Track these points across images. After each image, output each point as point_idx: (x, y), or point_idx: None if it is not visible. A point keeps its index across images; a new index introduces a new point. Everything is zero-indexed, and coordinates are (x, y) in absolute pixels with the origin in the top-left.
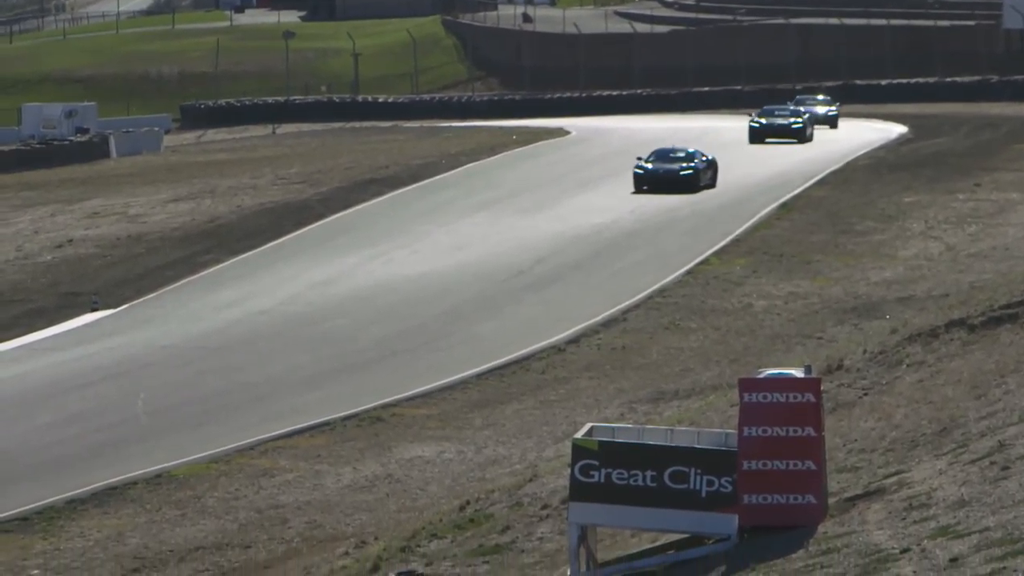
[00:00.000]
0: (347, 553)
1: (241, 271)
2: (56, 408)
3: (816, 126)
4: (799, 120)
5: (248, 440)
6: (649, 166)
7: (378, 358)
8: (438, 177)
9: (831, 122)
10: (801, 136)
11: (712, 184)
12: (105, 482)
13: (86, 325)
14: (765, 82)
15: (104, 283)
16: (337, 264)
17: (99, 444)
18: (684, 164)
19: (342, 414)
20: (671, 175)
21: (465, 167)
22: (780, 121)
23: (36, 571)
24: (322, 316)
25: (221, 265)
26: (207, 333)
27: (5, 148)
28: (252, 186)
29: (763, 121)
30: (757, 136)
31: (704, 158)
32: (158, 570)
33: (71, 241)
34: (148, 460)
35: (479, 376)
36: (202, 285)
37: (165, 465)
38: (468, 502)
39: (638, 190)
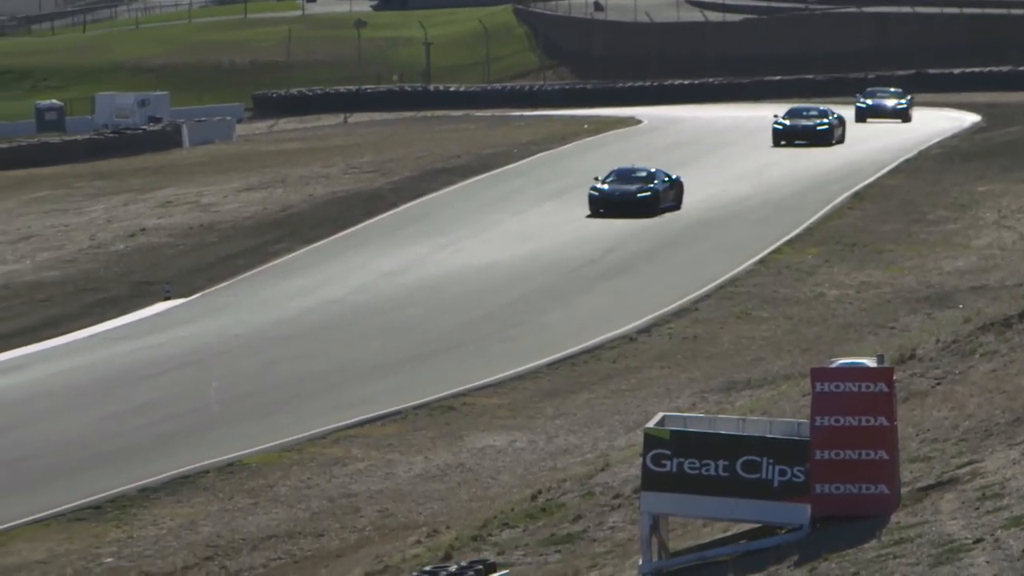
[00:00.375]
0: (419, 542)
1: (312, 260)
2: (128, 397)
3: (883, 119)
4: (825, 122)
5: (320, 429)
6: (605, 187)
7: (449, 347)
8: (509, 166)
9: (902, 115)
10: (826, 139)
11: (676, 206)
12: (178, 470)
13: (158, 314)
14: (837, 71)
15: (176, 272)
16: (408, 253)
17: (171, 432)
18: (642, 185)
19: (413, 403)
20: (627, 197)
21: (536, 156)
22: (805, 123)
23: (110, 559)
24: (393, 305)
25: (292, 254)
26: (278, 322)
27: (79, 137)
28: (324, 175)
29: (787, 123)
30: (780, 138)
31: (666, 179)
32: (231, 558)
33: (144, 230)
34: (220, 449)
35: (550, 365)
36: (273, 274)
37: (237, 454)
38: (540, 491)
39: (593, 213)
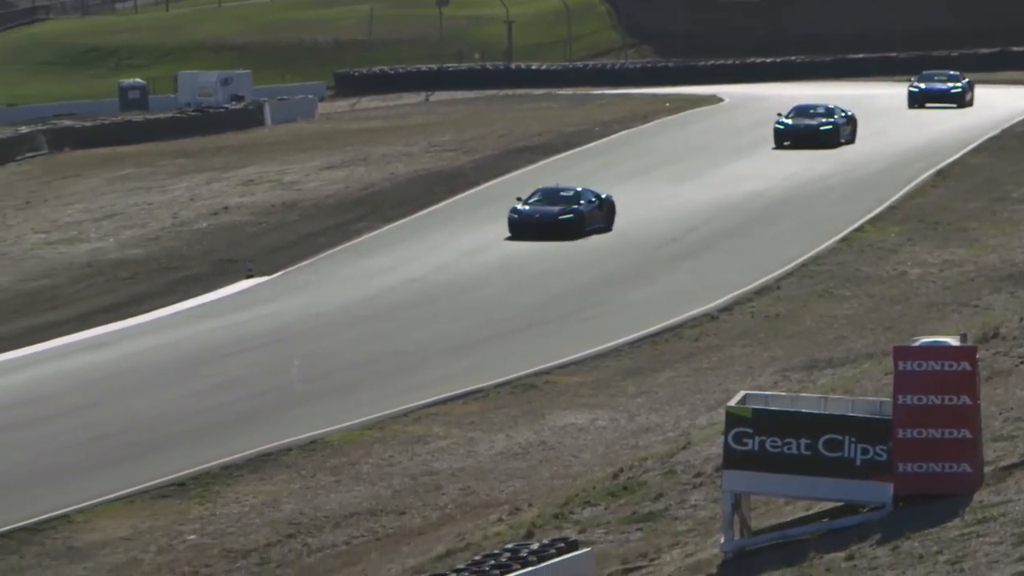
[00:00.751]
0: (501, 520)
1: (394, 238)
2: (211, 374)
3: (938, 105)
4: (829, 122)
5: (402, 407)
6: (525, 208)
7: (530, 325)
8: (590, 145)
9: (958, 100)
10: (830, 140)
11: (607, 227)
12: (260, 448)
13: (241, 292)
14: (920, 49)
15: (259, 250)
16: (489, 231)
17: (254, 410)
18: (565, 207)
19: (495, 381)
20: (548, 219)
21: (618, 135)
22: (808, 122)
23: (192, 536)
24: (474, 283)
25: (374, 232)
26: (360, 300)
27: (162, 116)
28: (406, 154)
29: (789, 122)
30: (780, 139)
31: (593, 199)
32: (313, 535)
33: (226, 208)
34: (302, 426)
35: (632, 344)
36: (355, 252)
37: (320, 431)
38: (621, 469)
39: (515, 237)
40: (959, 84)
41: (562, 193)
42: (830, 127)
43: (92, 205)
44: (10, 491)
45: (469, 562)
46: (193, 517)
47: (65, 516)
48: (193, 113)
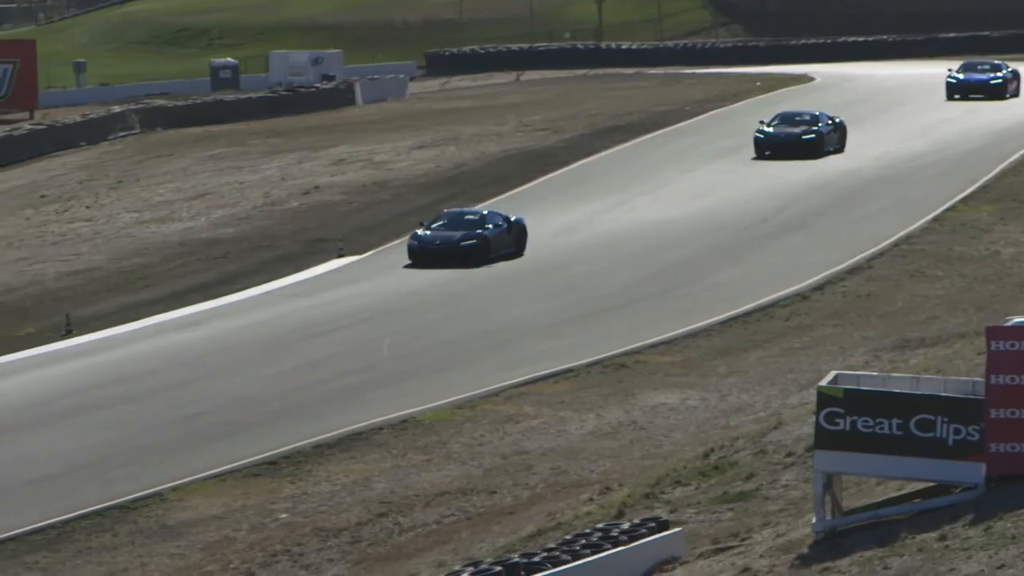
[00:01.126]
0: (591, 499)
1: None
2: (303, 353)
3: (974, 96)
4: (813, 131)
5: (492, 386)
6: (427, 234)
7: (621, 305)
8: (681, 124)
9: (996, 92)
10: (813, 150)
11: (518, 251)
12: (351, 427)
13: (332, 271)
14: (1014, 28)
15: (350, 229)
16: (580, 211)
17: (345, 389)
18: (469, 231)
19: (585, 361)
20: (449, 246)
21: (708, 114)
22: (790, 130)
23: (284, 514)
24: (565, 263)
25: None
26: (450, 279)
27: (253, 95)
28: (496, 133)
29: (770, 131)
30: (761, 149)
31: (500, 223)
32: (404, 514)
33: (317, 187)
34: (393, 405)
35: (723, 323)
36: None
37: (410, 410)
38: (712, 449)
39: (416, 264)
40: (999, 75)
41: (467, 217)
42: (813, 136)
43: (184, 184)
44: (103, 469)
45: (560, 541)
46: (285, 495)
47: (158, 494)
48: (284, 92)
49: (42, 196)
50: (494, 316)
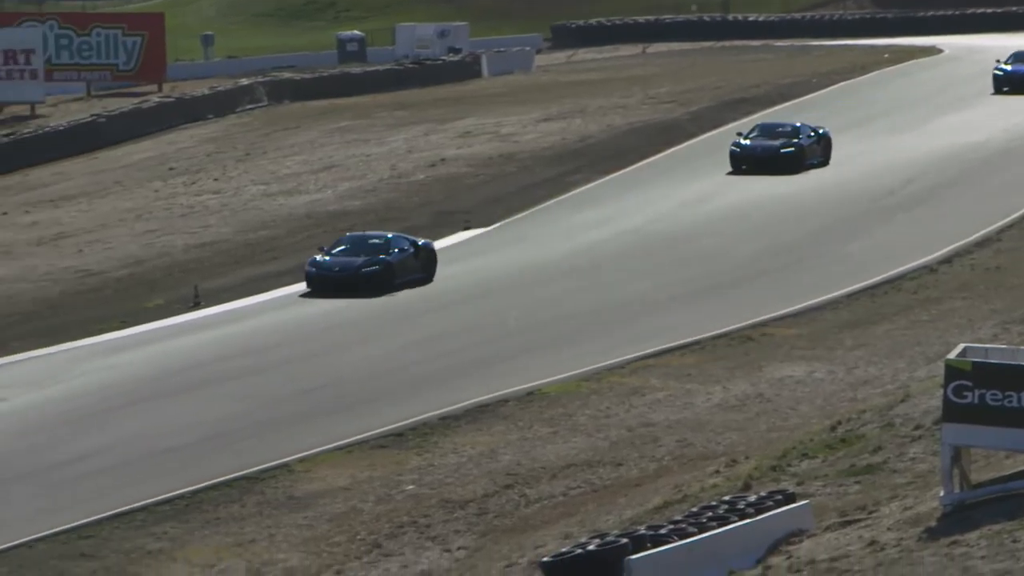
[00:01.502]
0: (718, 472)
1: (610, 190)
2: (429, 325)
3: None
4: (792, 143)
5: (618, 359)
6: (326, 260)
7: (747, 277)
8: (808, 96)
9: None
10: (793, 165)
11: (427, 278)
12: (477, 399)
13: (458, 243)
14: None
15: (476, 202)
16: (706, 182)
17: (470, 361)
18: (371, 257)
19: (712, 333)
20: (348, 273)
21: (836, 86)
22: (768, 143)
23: (411, 486)
24: (691, 235)
25: (590, 184)
26: (576, 252)
27: (380, 68)
28: (622, 105)
29: (747, 143)
30: (737, 163)
31: (406, 247)
32: (530, 486)
33: (444, 160)
34: (519, 378)
35: (849, 296)
36: (571, 204)
37: (536, 383)
38: (839, 422)
39: (314, 292)
40: (791, 145)
41: (371, 241)
42: (792, 149)
43: (311, 157)
44: (231, 440)
45: (686, 514)
46: (411, 467)
47: (285, 465)
48: (410, 65)
49: (170, 168)
50: (620, 288)
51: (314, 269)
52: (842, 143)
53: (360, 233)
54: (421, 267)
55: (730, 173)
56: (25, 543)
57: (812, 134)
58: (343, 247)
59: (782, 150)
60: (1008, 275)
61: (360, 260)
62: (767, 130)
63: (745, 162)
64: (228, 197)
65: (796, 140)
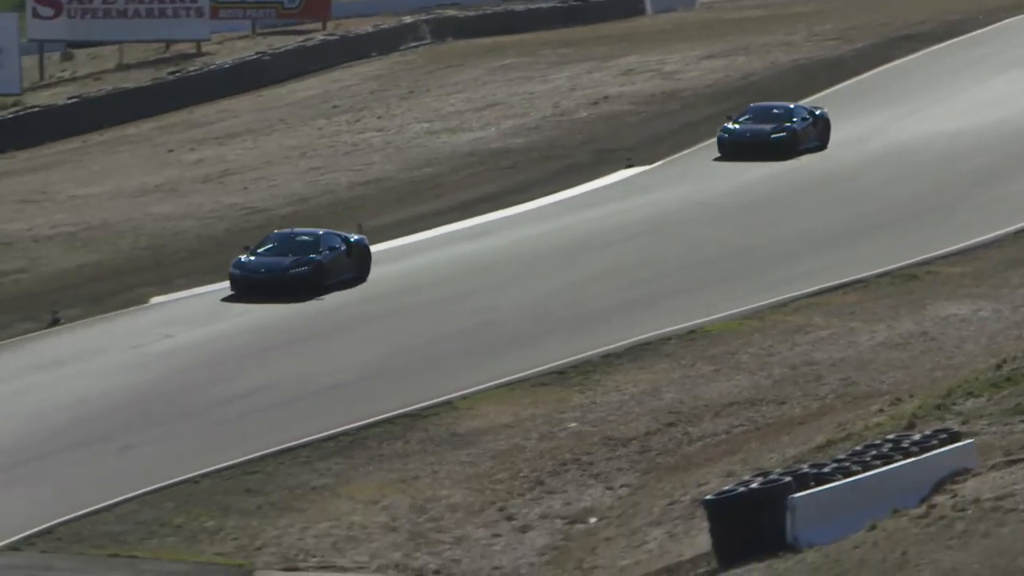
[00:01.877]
0: (881, 410)
1: None
2: (591, 263)
3: None
4: (784, 128)
5: (781, 297)
6: (251, 260)
7: (911, 215)
8: (974, 33)
9: None
10: (785, 150)
11: (360, 276)
12: (639, 337)
13: (621, 181)
14: None
15: (638, 140)
16: (871, 120)
17: (633, 299)
18: (300, 257)
19: (875, 271)
20: (275, 275)
21: (1003, 23)
22: (757, 127)
23: (573, 424)
24: (854, 173)
25: None
26: (739, 189)
27: (544, 5)
28: (786, 43)
29: (735, 128)
30: (724, 150)
31: (338, 245)
32: (693, 424)
33: (606, 98)
34: (681, 315)
35: (1016, 234)
36: None
37: (698, 321)
38: (1005, 360)
39: (240, 295)
40: (781, 130)
41: (299, 239)
42: (784, 134)
43: (474, 95)
44: (394, 377)
45: (850, 452)
46: (574, 405)
47: (448, 403)
48: (574, 3)
49: (334, 106)
50: (782, 226)
51: (238, 271)
52: (1007, 81)
53: (288, 231)
54: (354, 266)
55: (716, 159)
56: (191, 478)
57: (807, 116)
58: (270, 246)
59: (772, 135)
60: None
61: (288, 260)
62: (759, 113)
63: (733, 148)
64: (391, 135)
65: (789, 124)
